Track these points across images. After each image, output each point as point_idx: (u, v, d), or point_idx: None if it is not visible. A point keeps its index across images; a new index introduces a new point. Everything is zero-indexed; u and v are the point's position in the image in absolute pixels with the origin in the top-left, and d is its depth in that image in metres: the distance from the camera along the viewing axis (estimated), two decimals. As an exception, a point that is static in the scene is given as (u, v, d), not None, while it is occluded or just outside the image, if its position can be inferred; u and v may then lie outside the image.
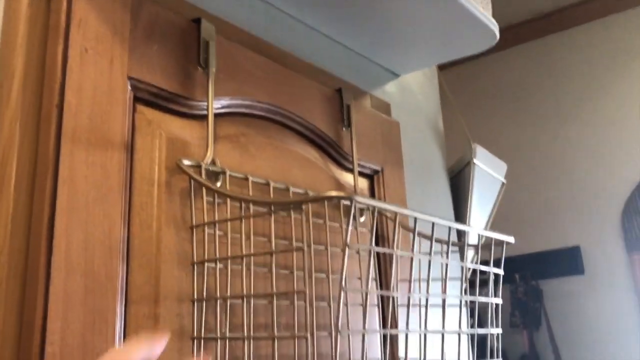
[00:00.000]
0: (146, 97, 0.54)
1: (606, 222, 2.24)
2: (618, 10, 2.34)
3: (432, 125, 1.12)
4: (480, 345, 0.68)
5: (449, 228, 0.53)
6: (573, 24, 2.40)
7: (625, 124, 2.27)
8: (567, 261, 2.27)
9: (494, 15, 0.88)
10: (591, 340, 2.19)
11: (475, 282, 0.62)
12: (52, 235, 0.43)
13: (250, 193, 0.59)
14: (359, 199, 0.41)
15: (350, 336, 0.63)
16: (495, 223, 1.24)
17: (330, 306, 0.64)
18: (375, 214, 0.46)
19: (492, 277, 0.61)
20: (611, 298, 2.19)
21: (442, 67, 1.27)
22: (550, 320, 2.27)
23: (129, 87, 0.52)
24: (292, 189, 0.64)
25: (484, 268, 0.60)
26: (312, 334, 0.45)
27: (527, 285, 2.30)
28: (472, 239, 1.01)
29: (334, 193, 0.41)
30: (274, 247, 0.49)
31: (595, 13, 2.36)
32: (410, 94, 1.06)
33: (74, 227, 0.45)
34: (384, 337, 0.74)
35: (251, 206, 0.53)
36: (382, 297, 0.75)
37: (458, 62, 0.95)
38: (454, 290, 0.58)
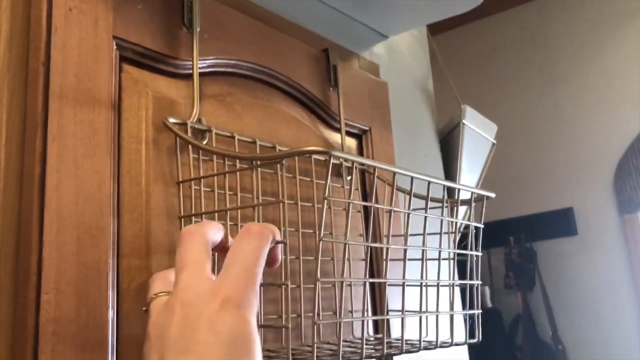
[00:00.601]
0: (132, 56, 0.55)
1: (599, 183, 2.26)
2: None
3: (422, 87, 1.13)
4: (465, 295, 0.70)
5: (428, 183, 0.54)
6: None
7: (618, 86, 2.28)
8: (560, 223, 2.30)
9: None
10: (584, 299, 2.24)
11: (458, 237, 0.64)
12: (44, 190, 0.45)
13: (237, 151, 0.61)
14: (336, 153, 0.42)
15: (337, 286, 0.66)
16: (488, 186, 1.25)
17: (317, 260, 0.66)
18: (356, 168, 0.48)
19: (472, 231, 0.63)
20: (603, 258, 2.23)
21: (433, 33, 1.27)
22: (544, 281, 2.31)
23: (115, 47, 0.53)
24: (278, 147, 0.66)
25: (464, 222, 0.62)
26: (287, 283, 0.47)
27: (521, 247, 2.34)
28: (459, 196, 1.03)
29: (312, 148, 0.43)
30: (258, 201, 0.51)
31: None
32: (400, 55, 1.07)
33: (64, 182, 0.46)
34: (372, 289, 0.77)
35: (237, 162, 0.55)
36: (370, 252, 0.78)
37: (450, 26, 0.96)
38: (435, 243, 0.60)
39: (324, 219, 0.44)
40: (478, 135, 1.21)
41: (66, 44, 0.49)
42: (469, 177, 1.20)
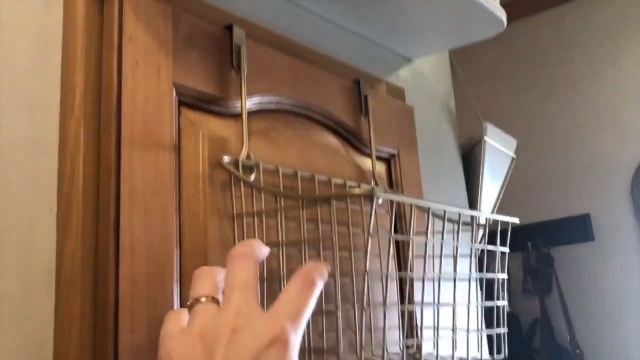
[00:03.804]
0: (189, 100, 0.60)
1: (616, 189, 2.29)
2: (629, -21, 2.35)
3: (445, 105, 1.17)
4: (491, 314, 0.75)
5: (459, 215, 0.59)
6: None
7: (634, 92, 2.30)
8: (578, 228, 2.33)
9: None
10: (601, 305, 2.27)
11: (483, 259, 0.69)
12: (119, 228, 0.50)
13: (281, 182, 0.66)
14: (380, 194, 0.47)
15: (372, 308, 0.71)
16: (506, 193, 1.30)
17: (353, 281, 0.71)
18: (394, 205, 0.53)
19: (498, 255, 0.68)
20: (621, 264, 2.26)
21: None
22: (562, 286, 2.34)
23: (174, 93, 0.58)
24: (317, 177, 0.71)
25: (491, 248, 0.67)
26: (337, 307, 0.52)
27: (538, 252, 2.37)
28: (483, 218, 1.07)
29: (357, 191, 0.48)
30: (305, 235, 0.56)
31: (605, -18, 2.37)
32: (423, 76, 1.12)
33: (135, 220, 0.52)
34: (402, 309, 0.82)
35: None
36: (400, 270, 0.83)
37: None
38: (466, 266, 0.65)
39: (368, 255, 0.49)
40: (498, 151, 1.25)
41: (134, 94, 0.54)
42: (490, 190, 1.24)
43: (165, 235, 0.54)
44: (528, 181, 2.38)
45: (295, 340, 0.38)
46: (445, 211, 0.57)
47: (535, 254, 2.37)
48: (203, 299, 0.41)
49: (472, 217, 0.63)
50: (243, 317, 0.38)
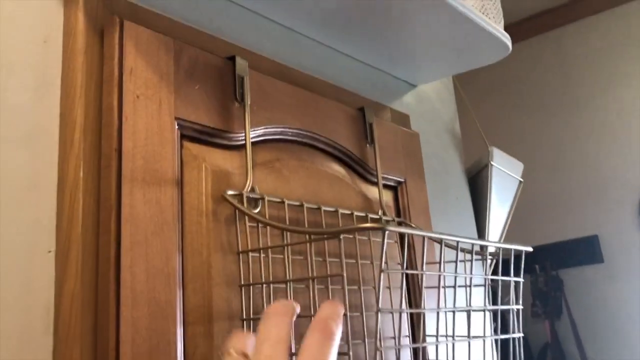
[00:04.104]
0: (191, 133, 0.59)
1: (623, 210, 2.26)
2: (630, 0, 2.35)
3: (450, 129, 1.16)
4: (504, 344, 0.72)
5: (472, 246, 0.57)
6: (584, 14, 2.41)
7: (640, 113, 2.29)
8: (586, 250, 2.30)
9: (504, 9, 0.92)
10: (612, 327, 2.23)
11: (497, 289, 0.67)
12: (119, 269, 0.49)
13: (287, 215, 0.64)
14: (391, 228, 0.46)
15: (383, 344, 0.68)
16: (514, 216, 1.28)
17: (363, 316, 0.69)
18: (406, 238, 0.51)
19: (512, 285, 0.65)
20: (631, 285, 2.22)
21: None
22: (572, 309, 2.30)
23: (176, 127, 0.57)
24: (323, 208, 0.69)
25: (504, 279, 0.64)
26: (349, 348, 0.50)
27: (547, 275, 2.33)
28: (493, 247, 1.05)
29: (367, 225, 0.46)
30: (314, 273, 0.54)
31: (607, 3, 2.37)
32: (428, 102, 1.11)
33: (136, 260, 0.50)
34: (414, 343, 0.79)
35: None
36: (410, 302, 0.80)
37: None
38: (479, 295, 0.63)
39: (381, 292, 0.47)
40: (505, 174, 1.23)
41: (135, 129, 0.53)
42: (498, 215, 1.22)
43: (167, 274, 0.52)
44: (534, 204, 2.35)
45: None
46: (458, 242, 0.55)
47: (543, 277, 2.33)
48: (232, 351, 0.42)
49: (481, 247, 0.61)
50: None
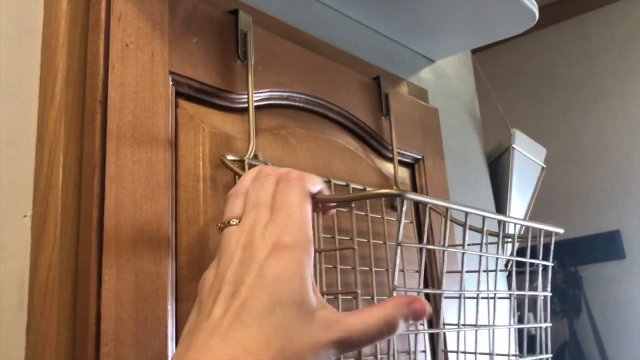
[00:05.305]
0: (187, 91, 0.53)
1: (647, 204, 2.18)
2: (655, -14, 2.27)
3: (469, 110, 1.09)
4: (528, 339, 0.66)
5: (498, 222, 0.51)
6: (610, 0, 2.33)
7: (665, 103, 2.20)
8: (607, 246, 2.22)
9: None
10: (634, 326, 2.14)
11: (521, 273, 0.60)
12: (102, 235, 0.43)
13: (294, 186, 0.58)
14: (410, 195, 0.40)
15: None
16: (532, 209, 1.21)
17: (374, 298, 0.63)
18: (428, 210, 0.44)
19: (540, 269, 0.59)
20: (654, 282, 2.14)
21: (475, 50, 1.24)
22: (591, 307, 2.22)
23: (171, 82, 0.51)
24: (333, 181, 0.63)
25: (532, 261, 0.58)
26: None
27: (565, 271, 2.25)
28: (512, 228, 0.99)
29: (384, 190, 0.40)
30: (321, 246, 0.48)
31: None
32: (446, 79, 1.04)
33: (122, 226, 0.44)
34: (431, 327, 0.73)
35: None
36: (427, 286, 0.74)
37: (492, 43, 0.92)
38: (501, 280, 0.57)
39: (397, 266, 0.40)
40: (528, 159, 1.16)
41: (123, 81, 0.47)
42: (519, 202, 1.15)
43: (158, 243, 0.46)
44: (552, 196, 2.27)
45: (297, 239, 0.36)
46: (484, 217, 0.49)
47: (562, 273, 2.25)
48: (234, 222, 0.38)
49: (502, 225, 0.55)
50: (250, 234, 0.37)
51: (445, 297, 0.73)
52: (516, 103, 2.46)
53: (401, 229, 0.41)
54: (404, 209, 0.41)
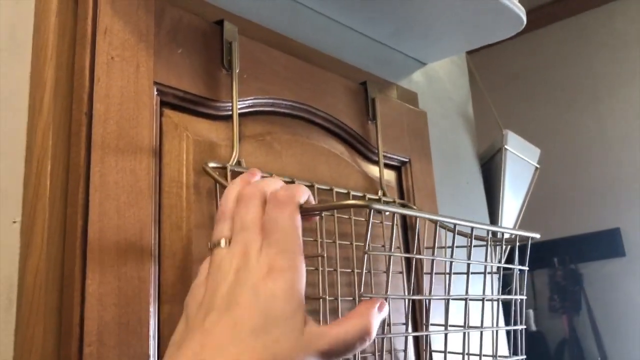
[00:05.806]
0: (172, 100, 0.55)
1: (647, 202, 2.18)
2: (656, -16, 2.26)
3: (462, 112, 1.10)
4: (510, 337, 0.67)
5: (471, 228, 0.53)
6: (606, 0, 2.32)
7: (666, 101, 2.20)
8: (607, 243, 2.22)
9: (523, -1, 0.86)
10: (633, 323, 2.15)
11: (509, 279, 0.62)
12: (86, 242, 0.45)
13: (277, 191, 0.60)
14: (376, 206, 0.41)
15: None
16: (530, 207, 1.22)
17: (356, 301, 0.64)
18: (396, 218, 0.46)
19: (516, 274, 0.61)
20: (654, 280, 2.14)
21: (470, 51, 1.25)
22: (591, 304, 2.23)
23: (155, 92, 0.53)
24: (316, 186, 0.65)
25: (508, 266, 0.60)
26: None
27: (565, 269, 2.26)
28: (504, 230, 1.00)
29: (351, 202, 0.42)
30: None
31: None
32: (439, 82, 1.05)
33: (106, 233, 0.46)
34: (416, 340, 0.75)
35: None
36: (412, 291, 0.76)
37: (487, 44, 0.93)
38: (481, 286, 0.58)
39: (364, 275, 0.42)
40: (520, 160, 1.17)
41: (108, 93, 0.49)
42: (512, 203, 1.17)
43: (140, 249, 0.48)
44: (553, 194, 2.28)
45: (291, 262, 0.37)
46: (455, 225, 0.51)
47: (562, 270, 2.26)
48: (222, 243, 0.40)
49: (483, 232, 0.56)
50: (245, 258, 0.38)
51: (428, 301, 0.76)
52: (515, 103, 2.46)
53: (368, 237, 0.43)
54: (370, 219, 0.43)
